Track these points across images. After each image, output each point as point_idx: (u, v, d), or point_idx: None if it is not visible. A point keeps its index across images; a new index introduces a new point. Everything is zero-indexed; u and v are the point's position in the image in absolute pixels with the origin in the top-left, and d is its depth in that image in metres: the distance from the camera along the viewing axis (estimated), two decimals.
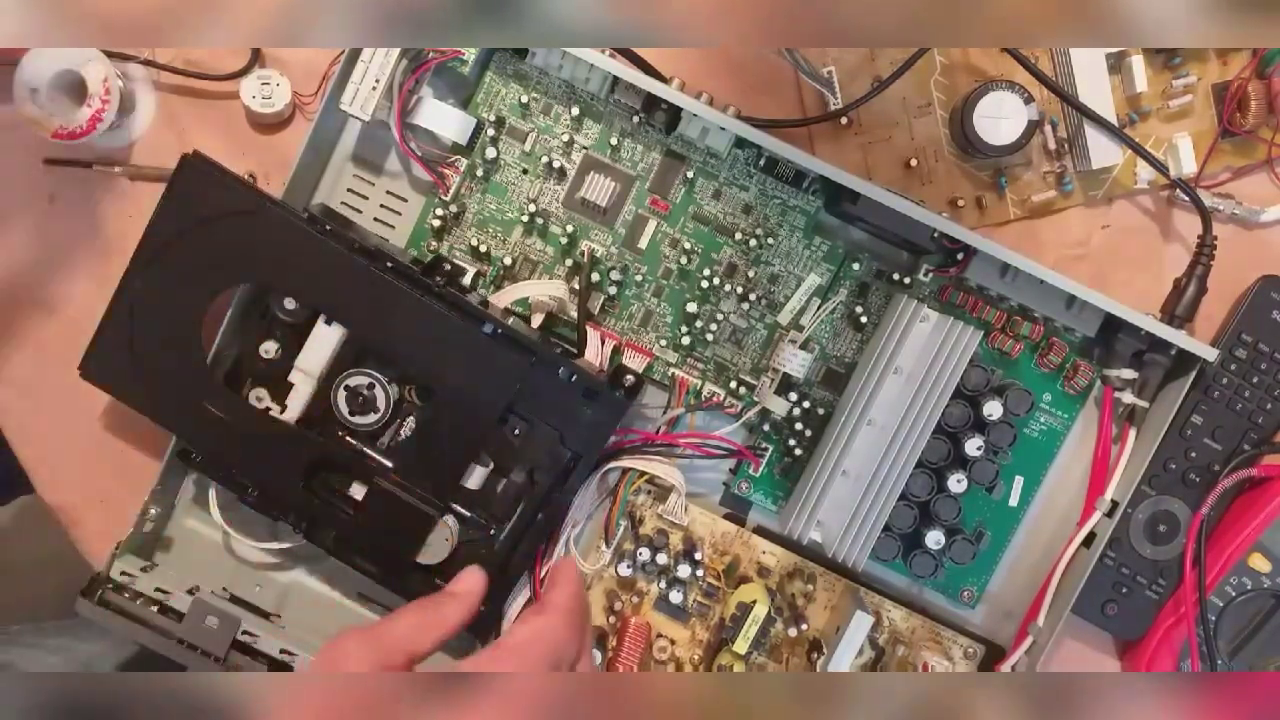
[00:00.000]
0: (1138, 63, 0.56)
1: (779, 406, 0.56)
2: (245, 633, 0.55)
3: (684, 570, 0.56)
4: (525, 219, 0.56)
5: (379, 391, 0.51)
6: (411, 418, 0.52)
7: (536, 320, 0.56)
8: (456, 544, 0.52)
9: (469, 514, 0.52)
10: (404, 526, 0.51)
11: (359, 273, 0.49)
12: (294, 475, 0.51)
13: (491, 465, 0.53)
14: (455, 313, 0.49)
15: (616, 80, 0.54)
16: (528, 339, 0.50)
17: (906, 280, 0.57)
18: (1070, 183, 0.58)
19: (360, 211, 0.58)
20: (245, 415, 0.51)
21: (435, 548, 0.51)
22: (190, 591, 0.55)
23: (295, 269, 0.49)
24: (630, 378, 0.52)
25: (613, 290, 0.57)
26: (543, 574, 0.57)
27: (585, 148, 0.56)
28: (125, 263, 0.59)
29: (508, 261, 0.57)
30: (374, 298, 0.49)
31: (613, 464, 0.56)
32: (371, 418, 0.51)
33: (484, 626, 0.53)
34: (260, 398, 0.52)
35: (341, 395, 0.51)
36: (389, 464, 0.51)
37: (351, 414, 0.51)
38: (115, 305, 0.51)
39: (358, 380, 0.51)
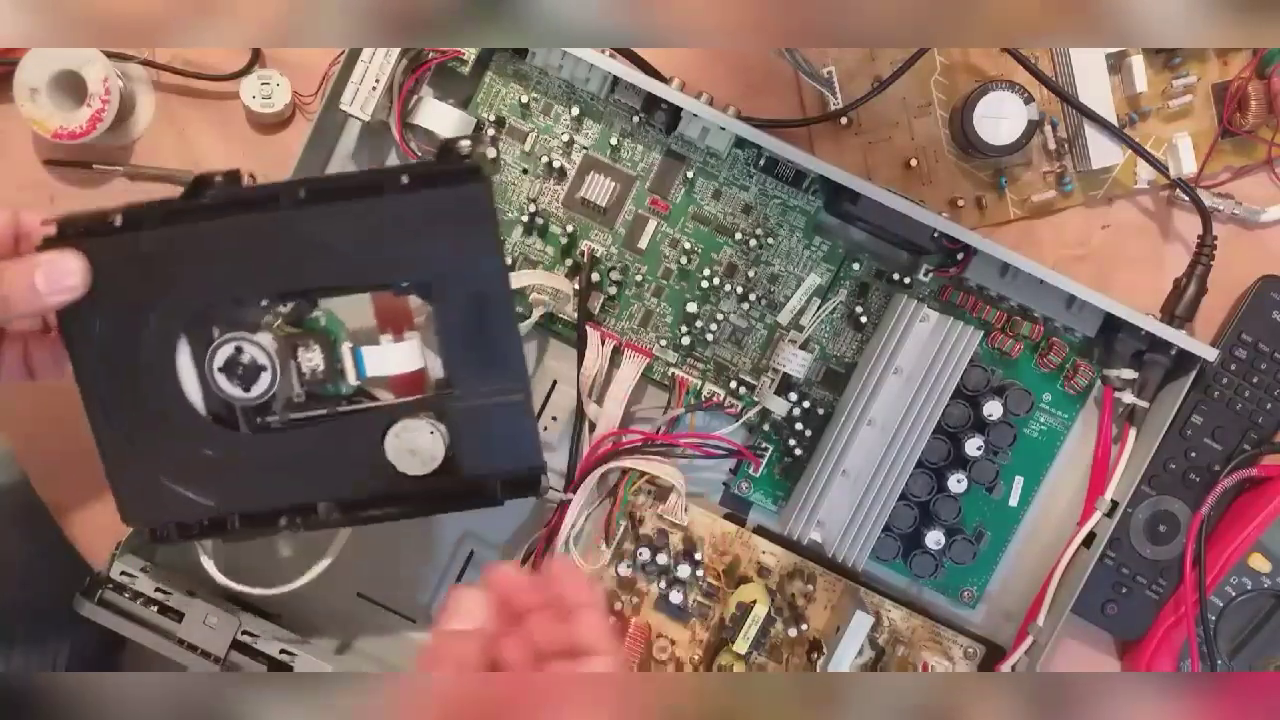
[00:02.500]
0: (1138, 63, 0.56)
1: (779, 406, 0.56)
2: (245, 633, 0.55)
3: (684, 570, 0.56)
4: (525, 219, 0.56)
5: (250, 349, 0.42)
6: (309, 345, 0.43)
7: (536, 314, 0.56)
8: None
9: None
10: (505, 433, 0.43)
11: (273, 228, 0.41)
12: (376, 458, 0.43)
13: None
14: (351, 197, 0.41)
15: (616, 80, 0.54)
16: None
17: (906, 280, 0.57)
18: (1070, 183, 0.58)
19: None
20: (293, 441, 0.45)
21: (425, 453, 0.44)
22: (190, 592, 0.55)
23: (212, 269, 0.42)
24: (465, 143, 0.42)
25: (613, 290, 0.57)
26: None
27: (585, 148, 0.56)
28: None
29: (508, 261, 0.57)
30: (307, 242, 0.41)
31: (613, 464, 0.56)
32: (265, 380, 0.43)
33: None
34: None
35: (220, 378, 0.43)
36: (449, 390, 0.43)
37: (245, 390, 0.43)
38: (97, 430, 0.45)
39: (224, 353, 0.42)
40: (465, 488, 0.45)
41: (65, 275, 0.40)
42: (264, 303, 0.44)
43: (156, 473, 0.45)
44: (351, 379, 0.44)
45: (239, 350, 0.43)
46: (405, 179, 0.41)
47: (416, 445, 0.43)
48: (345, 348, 0.44)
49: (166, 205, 0.42)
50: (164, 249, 0.42)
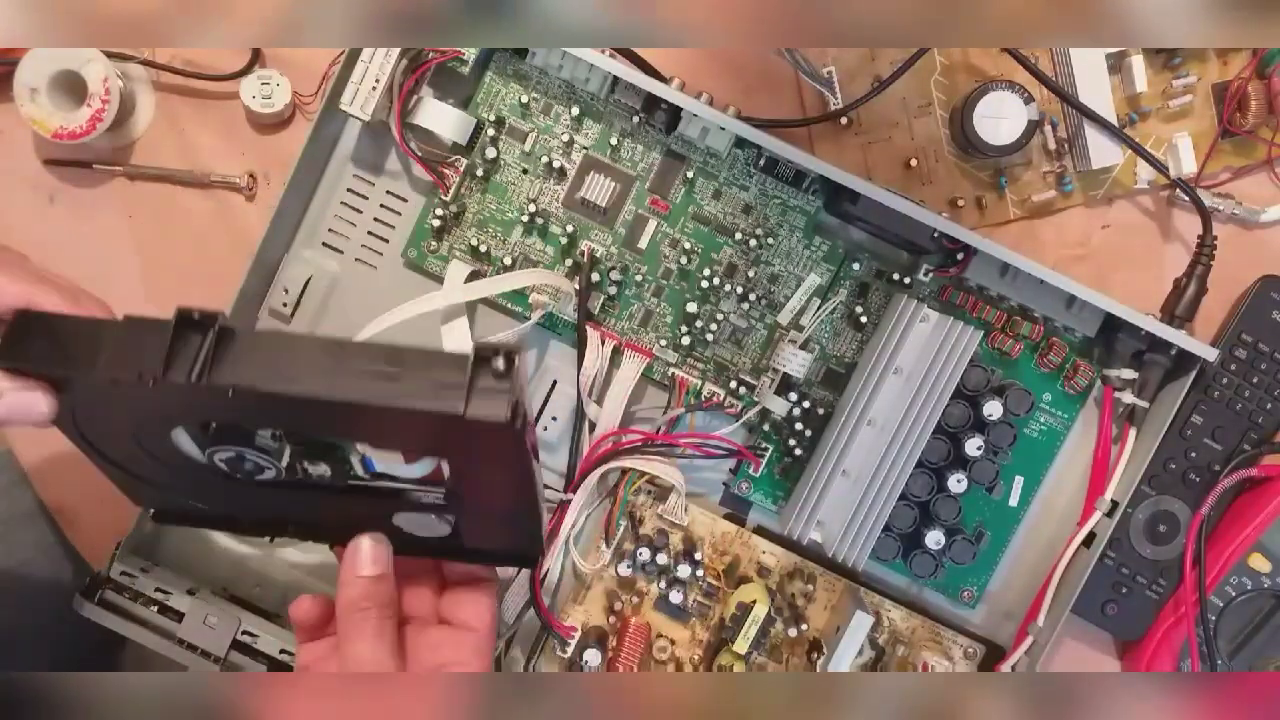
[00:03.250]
0: (1138, 63, 0.56)
1: (779, 406, 0.56)
2: (245, 633, 0.55)
3: (684, 570, 0.56)
4: (525, 219, 0.56)
5: (256, 457, 0.41)
6: (315, 460, 0.42)
7: (537, 315, 0.56)
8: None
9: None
10: (511, 527, 0.44)
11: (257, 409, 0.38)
12: (384, 522, 0.44)
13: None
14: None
15: (616, 80, 0.54)
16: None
17: (906, 280, 0.57)
18: (1070, 183, 0.58)
19: (360, 212, 0.58)
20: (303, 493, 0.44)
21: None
22: (190, 591, 0.55)
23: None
24: (500, 363, 0.35)
25: (613, 290, 0.57)
26: (542, 574, 0.57)
27: (585, 148, 0.56)
28: (125, 263, 0.59)
29: (508, 261, 0.57)
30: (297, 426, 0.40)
31: (613, 464, 0.56)
32: (269, 474, 0.42)
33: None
34: None
35: (224, 468, 0.42)
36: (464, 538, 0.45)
37: (250, 478, 0.43)
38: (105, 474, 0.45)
39: (225, 454, 0.41)
40: (466, 551, 0.46)
41: (30, 411, 0.39)
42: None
43: (165, 491, 0.45)
44: (360, 474, 0.43)
45: (240, 458, 0.41)
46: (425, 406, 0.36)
47: (422, 526, 0.44)
48: (355, 458, 0.42)
49: (146, 372, 0.36)
50: (151, 404, 0.38)
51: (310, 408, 0.36)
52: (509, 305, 0.57)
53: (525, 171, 0.57)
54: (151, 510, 0.48)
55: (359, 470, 0.43)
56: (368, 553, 0.43)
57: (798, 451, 0.58)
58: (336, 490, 0.44)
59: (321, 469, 0.42)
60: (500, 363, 0.35)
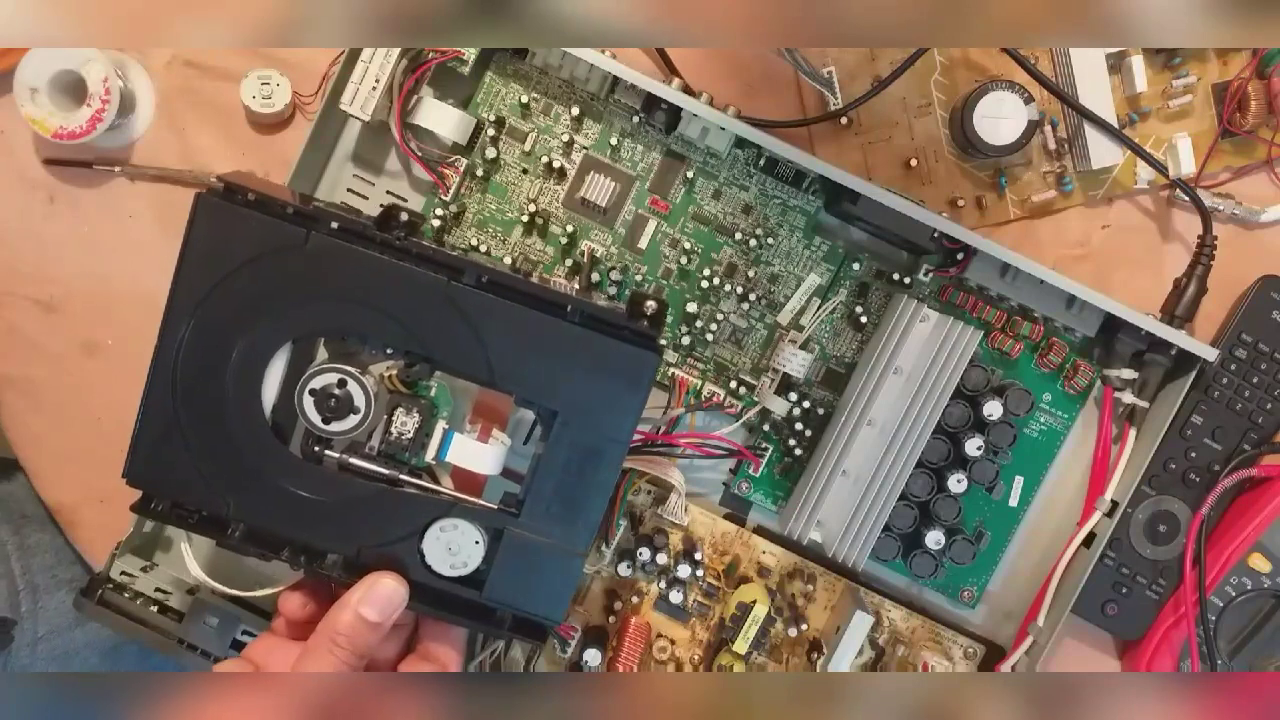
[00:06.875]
0: (1138, 63, 0.56)
1: (779, 406, 0.56)
2: (245, 633, 0.55)
3: (684, 570, 0.56)
4: (525, 219, 0.56)
5: (353, 388, 0.42)
6: (410, 410, 0.43)
7: None
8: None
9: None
10: (544, 578, 0.44)
11: (446, 295, 0.42)
12: (409, 541, 0.44)
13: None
14: (550, 309, 0.43)
15: (616, 80, 0.54)
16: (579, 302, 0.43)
17: (906, 280, 0.57)
18: (1070, 183, 0.58)
19: (360, 212, 0.58)
20: (339, 485, 0.44)
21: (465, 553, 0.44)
22: (190, 591, 0.55)
23: (364, 304, 0.42)
24: (651, 305, 0.44)
25: (613, 290, 0.57)
26: None
27: (585, 148, 0.56)
28: (124, 263, 0.59)
29: (508, 261, 0.57)
30: (468, 322, 0.42)
31: None
32: (351, 421, 0.42)
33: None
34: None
35: (308, 401, 0.42)
36: (513, 511, 0.44)
37: (326, 421, 0.42)
38: (152, 391, 0.43)
39: (325, 380, 0.42)
40: (478, 608, 0.45)
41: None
42: (389, 350, 0.44)
43: (186, 448, 0.43)
44: (429, 456, 0.44)
45: (341, 383, 0.42)
46: (585, 312, 0.43)
47: (457, 546, 0.44)
48: (440, 425, 0.44)
49: (351, 221, 0.43)
50: (328, 260, 0.42)
51: (468, 305, 0.42)
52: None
53: (525, 171, 0.57)
54: (142, 492, 0.45)
55: (432, 447, 0.44)
56: (380, 595, 0.42)
57: (798, 451, 0.58)
58: (387, 482, 0.43)
59: (409, 424, 0.43)
60: (651, 304, 0.44)
